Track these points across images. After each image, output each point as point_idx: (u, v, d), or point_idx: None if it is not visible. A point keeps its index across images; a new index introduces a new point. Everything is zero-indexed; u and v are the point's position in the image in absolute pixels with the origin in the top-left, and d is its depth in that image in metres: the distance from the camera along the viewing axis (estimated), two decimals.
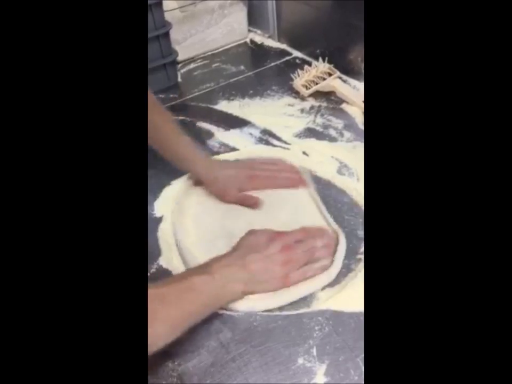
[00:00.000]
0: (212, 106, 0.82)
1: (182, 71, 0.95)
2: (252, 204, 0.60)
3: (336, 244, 0.53)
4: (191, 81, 0.91)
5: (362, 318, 0.47)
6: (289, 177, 0.62)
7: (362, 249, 0.54)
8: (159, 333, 0.39)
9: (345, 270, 0.51)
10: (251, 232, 0.51)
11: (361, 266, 0.51)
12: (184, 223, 0.59)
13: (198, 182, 0.63)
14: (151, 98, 0.58)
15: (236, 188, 0.60)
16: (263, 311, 0.48)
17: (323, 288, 0.50)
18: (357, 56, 0.82)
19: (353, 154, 0.68)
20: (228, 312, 0.48)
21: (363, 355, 0.43)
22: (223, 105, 0.82)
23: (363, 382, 0.42)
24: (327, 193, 0.61)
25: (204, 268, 0.46)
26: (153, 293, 0.40)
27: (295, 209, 0.60)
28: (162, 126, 0.59)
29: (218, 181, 0.60)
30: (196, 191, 0.63)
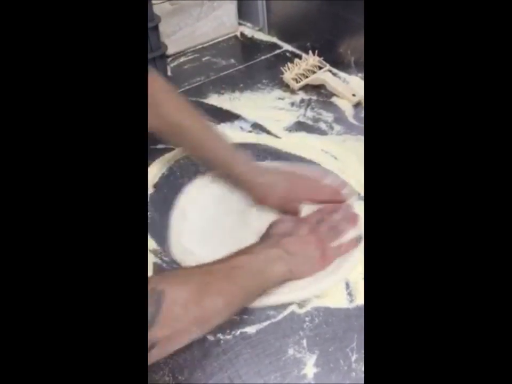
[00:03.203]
0: (202, 100, 0.82)
1: (172, 65, 0.94)
2: (293, 210, 0.57)
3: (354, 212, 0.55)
4: (181, 75, 0.90)
5: (351, 310, 0.47)
6: (331, 193, 0.58)
7: None
8: (217, 307, 0.40)
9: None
10: (276, 222, 0.53)
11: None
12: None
13: (234, 184, 0.61)
14: (184, 103, 0.58)
15: (278, 194, 0.57)
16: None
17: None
18: (347, 49, 0.82)
19: (343, 147, 0.68)
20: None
21: (352, 345, 0.44)
22: (213, 99, 0.81)
23: (353, 372, 0.42)
24: None
25: (245, 250, 0.47)
26: (204, 270, 0.42)
27: None
28: (198, 129, 0.58)
29: (260, 186, 0.57)
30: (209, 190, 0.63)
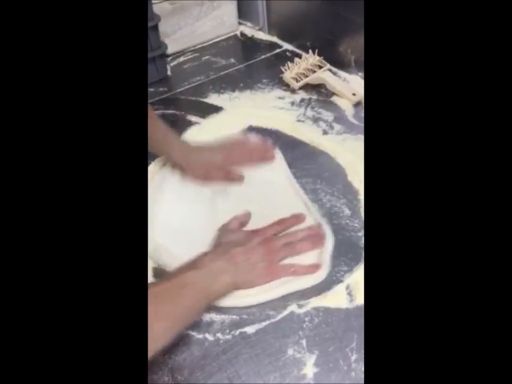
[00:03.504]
0: (202, 99, 0.82)
1: (172, 64, 0.94)
2: (237, 178, 0.62)
3: (322, 237, 0.53)
4: (180, 74, 0.90)
5: (351, 309, 0.47)
6: (261, 151, 0.64)
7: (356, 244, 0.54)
8: (159, 331, 0.39)
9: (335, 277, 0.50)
10: (227, 229, 0.53)
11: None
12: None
13: (174, 167, 0.64)
14: None
15: (216, 168, 0.61)
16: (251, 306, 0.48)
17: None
18: (347, 48, 0.82)
19: (342, 146, 0.68)
20: (218, 305, 0.48)
21: (352, 345, 0.44)
22: (213, 98, 0.81)
23: (352, 372, 0.42)
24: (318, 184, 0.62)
25: (191, 264, 0.46)
26: (151, 292, 0.40)
27: (274, 196, 0.60)
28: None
29: (197, 163, 0.61)
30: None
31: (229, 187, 0.62)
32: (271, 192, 0.61)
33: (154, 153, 0.64)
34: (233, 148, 0.64)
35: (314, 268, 0.50)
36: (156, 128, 0.59)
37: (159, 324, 0.39)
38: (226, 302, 0.48)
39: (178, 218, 0.58)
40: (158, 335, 0.39)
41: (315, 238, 0.53)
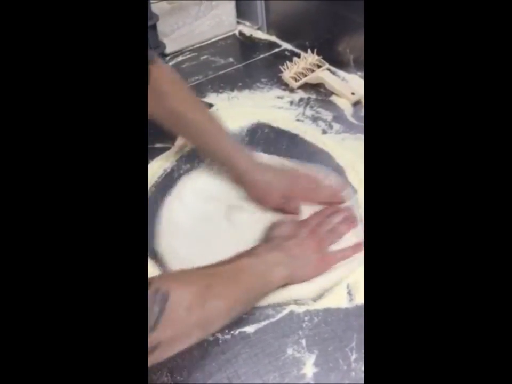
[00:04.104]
0: (200, 99, 0.81)
1: (170, 63, 0.94)
2: (293, 212, 0.57)
3: (354, 214, 0.55)
4: (179, 74, 0.89)
5: (350, 309, 0.47)
6: (331, 194, 0.58)
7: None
8: (218, 310, 0.40)
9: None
10: (277, 224, 0.53)
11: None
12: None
13: (235, 180, 0.60)
14: (190, 95, 0.59)
15: (277, 194, 0.56)
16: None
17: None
18: (346, 48, 0.82)
19: (342, 146, 0.68)
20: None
21: (352, 345, 0.44)
22: (212, 98, 0.81)
23: (352, 372, 0.42)
24: None
25: (247, 253, 0.47)
26: (208, 272, 0.42)
27: None
28: (202, 122, 0.57)
29: (260, 184, 0.56)
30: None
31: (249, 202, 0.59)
32: None
33: (219, 166, 0.62)
34: (301, 178, 0.58)
35: (359, 245, 0.51)
36: (222, 138, 0.57)
37: (216, 303, 0.39)
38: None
39: (195, 225, 0.58)
40: (218, 313, 0.40)
41: (349, 219, 0.54)
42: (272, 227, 0.53)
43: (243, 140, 0.70)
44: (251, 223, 0.56)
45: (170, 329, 0.36)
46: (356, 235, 0.53)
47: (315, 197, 0.57)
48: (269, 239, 0.51)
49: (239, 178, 0.58)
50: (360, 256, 0.51)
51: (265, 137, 0.71)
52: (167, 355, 0.38)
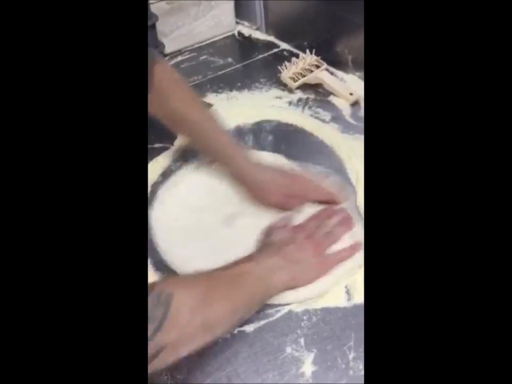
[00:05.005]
0: (201, 99, 0.82)
1: (170, 64, 0.94)
2: (293, 208, 0.57)
3: (349, 216, 0.54)
4: (178, 74, 0.90)
5: (349, 308, 0.47)
6: (330, 194, 0.58)
7: None
8: (224, 311, 0.40)
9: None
10: (272, 229, 0.53)
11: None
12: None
13: (235, 179, 0.60)
14: (191, 94, 0.59)
15: (279, 192, 0.56)
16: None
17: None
18: (344, 48, 0.82)
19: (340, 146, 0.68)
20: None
21: (350, 343, 0.44)
22: (211, 98, 0.81)
23: (350, 370, 0.42)
24: None
25: (248, 258, 0.47)
26: (211, 275, 0.42)
27: None
28: (202, 122, 0.58)
29: (258, 182, 0.57)
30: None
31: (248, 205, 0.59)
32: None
33: (217, 164, 0.62)
34: (301, 178, 0.59)
35: (356, 247, 0.51)
36: (222, 137, 0.58)
37: (222, 306, 0.39)
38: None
39: (193, 225, 0.58)
40: (221, 316, 0.40)
41: (345, 220, 0.54)
42: (268, 232, 0.53)
43: (242, 139, 0.70)
44: (251, 226, 0.56)
45: (174, 332, 0.36)
46: (352, 236, 0.53)
47: (314, 197, 0.57)
48: (266, 244, 0.51)
49: (238, 177, 0.59)
50: (358, 258, 0.51)
51: (265, 136, 0.71)
52: (171, 359, 0.38)
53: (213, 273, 0.43)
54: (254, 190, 0.58)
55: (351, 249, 0.51)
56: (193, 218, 0.58)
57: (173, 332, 0.36)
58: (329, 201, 0.57)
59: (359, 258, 0.51)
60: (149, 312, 0.35)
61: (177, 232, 0.57)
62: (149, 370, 0.34)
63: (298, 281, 0.48)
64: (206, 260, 0.47)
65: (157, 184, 0.64)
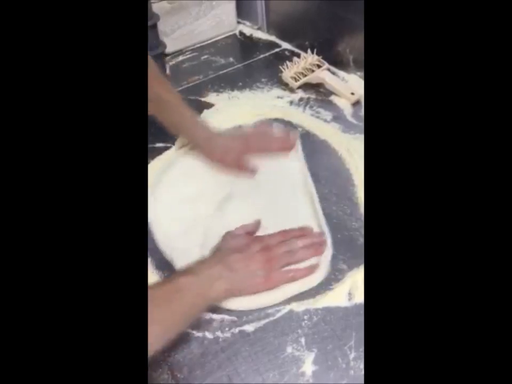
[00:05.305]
0: (200, 98, 0.82)
1: (171, 63, 0.94)
2: (250, 170, 0.63)
3: (323, 243, 0.53)
4: (179, 73, 0.90)
5: (349, 308, 0.47)
6: (281, 141, 0.65)
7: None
8: (154, 335, 0.39)
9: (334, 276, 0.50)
10: (230, 235, 0.52)
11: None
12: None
13: (194, 148, 0.65)
14: (154, 70, 0.60)
15: (235, 153, 0.62)
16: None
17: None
18: (346, 48, 0.82)
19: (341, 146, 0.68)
20: (218, 304, 0.48)
21: (351, 343, 0.44)
22: (212, 98, 0.81)
23: (351, 370, 0.42)
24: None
25: (187, 270, 0.46)
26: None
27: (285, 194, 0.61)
28: (163, 95, 0.61)
29: (216, 147, 0.63)
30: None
31: (239, 190, 0.61)
32: (282, 195, 0.60)
33: (177, 134, 0.67)
34: (254, 135, 0.65)
35: (312, 269, 0.50)
36: (180, 110, 0.62)
37: (152, 328, 0.37)
38: (225, 305, 0.48)
39: (183, 211, 0.59)
40: (155, 338, 0.39)
41: (316, 245, 0.52)
42: (225, 238, 0.52)
43: None
44: (242, 210, 0.58)
45: None
46: (313, 260, 0.51)
47: (269, 148, 0.64)
48: (218, 250, 0.51)
49: (199, 146, 0.64)
50: (312, 280, 0.50)
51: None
52: None
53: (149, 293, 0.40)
54: (213, 154, 0.63)
55: (305, 270, 0.50)
56: (186, 209, 0.59)
57: None
58: (283, 148, 0.64)
59: (312, 281, 0.50)
60: None
61: (173, 225, 0.58)
62: None
63: (236, 290, 0.47)
64: (203, 248, 0.48)
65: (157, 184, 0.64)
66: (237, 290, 0.47)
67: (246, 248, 0.49)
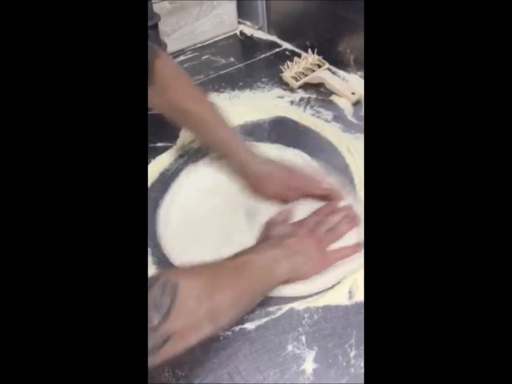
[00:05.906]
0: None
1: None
2: (292, 199, 0.58)
3: (355, 214, 0.54)
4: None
5: (350, 306, 0.47)
6: (327, 189, 0.58)
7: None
8: (228, 298, 0.40)
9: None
10: (273, 223, 0.53)
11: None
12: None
13: (235, 171, 0.61)
14: (192, 87, 0.60)
15: (279, 183, 0.57)
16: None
17: None
18: (346, 48, 0.82)
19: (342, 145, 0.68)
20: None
21: (351, 341, 0.44)
22: (213, 98, 0.81)
23: (351, 368, 0.42)
24: None
25: (250, 250, 0.47)
26: (215, 265, 0.43)
27: None
28: (203, 114, 0.59)
29: (257, 173, 0.57)
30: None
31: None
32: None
33: (218, 155, 0.63)
34: (299, 172, 0.58)
35: (360, 246, 0.51)
36: (223, 130, 0.59)
37: (226, 294, 0.40)
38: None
39: (196, 221, 0.59)
40: (226, 304, 0.40)
41: (350, 218, 0.54)
42: (268, 227, 0.53)
43: (249, 133, 0.71)
44: (252, 219, 0.57)
45: (181, 320, 0.37)
46: (357, 233, 0.53)
47: (313, 190, 0.58)
48: (267, 237, 0.51)
49: (239, 169, 0.60)
50: (361, 256, 0.51)
51: (267, 135, 0.72)
52: (180, 348, 0.37)
53: (216, 264, 0.43)
54: (253, 181, 0.59)
55: (354, 248, 0.51)
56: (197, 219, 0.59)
57: (180, 320, 0.37)
58: (328, 197, 0.57)
59: (361, 258, 0.51)
60: (156, 300, 0.36)
61: (182, 229, 0.57)
62: (159, 360, 0.35)
63: (300, 272, 0.48)
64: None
65: (157, 183, 0.64)
66: (299, 272, 0.48)
67: (295, 233, 0.50)
